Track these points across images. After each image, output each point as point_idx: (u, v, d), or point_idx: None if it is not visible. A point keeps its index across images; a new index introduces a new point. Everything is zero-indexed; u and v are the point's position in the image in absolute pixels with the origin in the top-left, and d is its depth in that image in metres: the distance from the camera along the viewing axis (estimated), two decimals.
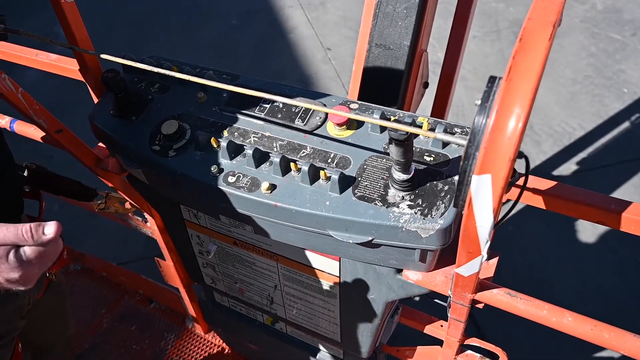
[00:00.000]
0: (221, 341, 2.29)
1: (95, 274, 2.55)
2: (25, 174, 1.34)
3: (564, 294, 2.59)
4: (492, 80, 0.70)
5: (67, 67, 1.47)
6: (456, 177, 1.00)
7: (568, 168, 3.10)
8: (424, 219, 0.97)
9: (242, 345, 2.12)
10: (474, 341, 1.30)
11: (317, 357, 1.75)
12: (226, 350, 2.27)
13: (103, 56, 1.15)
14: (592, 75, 3.58)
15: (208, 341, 2.31)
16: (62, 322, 1.69)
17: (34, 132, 1.50)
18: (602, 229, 2.78)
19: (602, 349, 2.39)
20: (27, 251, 0.89)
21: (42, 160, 1.41)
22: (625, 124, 3.30)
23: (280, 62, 3.89)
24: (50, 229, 0.89)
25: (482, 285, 1.05)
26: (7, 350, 1.24)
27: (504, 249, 2.71)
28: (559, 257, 2.72)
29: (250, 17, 4.25)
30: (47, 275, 1.38)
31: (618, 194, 2.92)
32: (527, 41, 0.64)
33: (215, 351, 2.28)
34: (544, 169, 3.08)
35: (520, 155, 0.76)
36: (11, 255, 0.87)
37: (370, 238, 1.03)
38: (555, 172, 3.07)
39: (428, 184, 1.01)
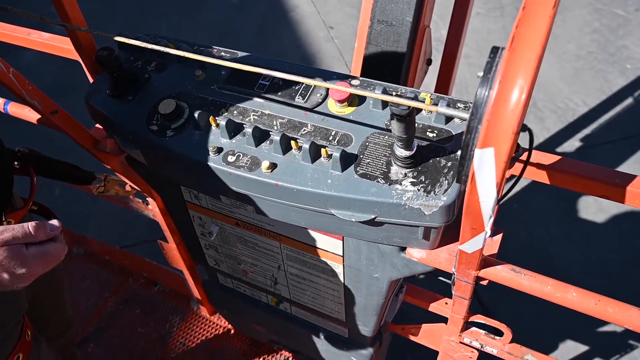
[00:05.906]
0: (226, 322, 2.29)
1: (98, 257, 2.55)
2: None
3: (568, 270, 2.59)
4: (495, 50, 0.68)
5: (61, 46, 1.44)
6: (459, 153, 0.99)
7: (572, 144, 3.08)
8: (427, 195, 0.96)
9: (247, 326, 2.13)
10: (478, 318, 1.29)
11: (322, 336, 1.75)
12: (231, 332, 2.28)
13: (97, 33, 1.12)
14: (596, 51, 3.54)
15: (213, 323, 2.32)
16: (58, 296, 1.69)
17: (29, 114, 1.47)
18: (605, 204, 2.77)
19: (606, 326, 2.40)
20: (34, 248, 0.97)
21: (42, 143, 1.40)
22: (629, 100, 3.27)
23: (282, 42, 3.85)
24: (54, 224, 1.00)
25: (486, 261, 1.04)
26: (14, 333, 1.23)
27: (508, 225, 2.70)
28: (563, 233, 2.72)
29: None
30: None
31: (621, 169, 2.87)
32: (530, 9, 0.62)
33: (220, 333, 2.29)
34: (548, 146, 3.06)
35: (523, 128, 0.74)
36: (22, 251, 0.95)
37: (373, 216, 1.02)
38: (559, 149, 3.06)
39: (431, 161, 0.99)
